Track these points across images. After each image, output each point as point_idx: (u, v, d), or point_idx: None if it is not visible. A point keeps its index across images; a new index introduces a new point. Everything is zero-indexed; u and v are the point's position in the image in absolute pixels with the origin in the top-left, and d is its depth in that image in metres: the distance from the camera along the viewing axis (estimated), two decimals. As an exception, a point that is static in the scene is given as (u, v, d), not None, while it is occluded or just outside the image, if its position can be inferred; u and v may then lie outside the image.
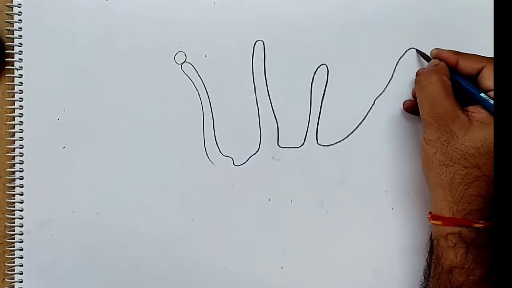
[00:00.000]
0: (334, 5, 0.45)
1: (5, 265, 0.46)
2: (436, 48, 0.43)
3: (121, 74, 0.46)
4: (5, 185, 0.46)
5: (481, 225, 0.37)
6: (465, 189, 0.38)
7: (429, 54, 0.43)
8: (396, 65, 0.45)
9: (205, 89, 0.46)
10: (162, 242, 0.46)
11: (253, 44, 0.45)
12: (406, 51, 0.45)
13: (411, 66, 0.45)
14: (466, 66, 0.40)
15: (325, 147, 0.46)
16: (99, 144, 0.46)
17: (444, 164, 0.38)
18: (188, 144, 0.46)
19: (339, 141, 0.46)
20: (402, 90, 0.45)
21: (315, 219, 0.46)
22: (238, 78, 0.46)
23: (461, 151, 0.38)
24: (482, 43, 0.44)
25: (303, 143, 0.46)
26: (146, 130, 0.46)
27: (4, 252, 0.47)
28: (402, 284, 0.46)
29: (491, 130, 0.37)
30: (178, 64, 0.45)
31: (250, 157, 0.46)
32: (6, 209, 0.46)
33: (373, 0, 0.45)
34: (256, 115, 0.46)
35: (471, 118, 0.38)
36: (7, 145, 0.46)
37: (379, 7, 0.45)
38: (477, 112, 0.38)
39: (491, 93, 0.39)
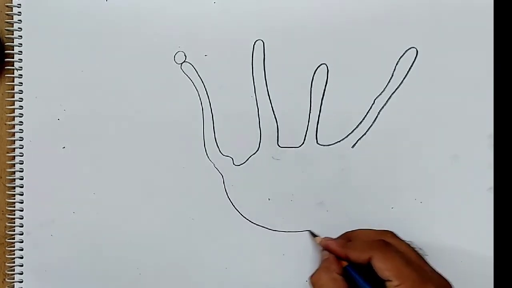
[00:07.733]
0: (334, 5, 0.45)
1: (5, 265, 0.46)
2: (324, 238, 0.43)
3: (121, 74, 0.46)
4: (5, 185, 0.46)
5: None
6: None
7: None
8: (396, 65, 0.45)
9: (205, 88, 0.46)
10: (162, 242, 0.46)
11: (253, 44, 0.45)
12: (406, 51, 0.45)
13: (411, 66, 0.45)
14: (355, 258, 0.39)
15: (325, 147, 0.46)
16: (99, 144, 0.46)
17: None
18: (188, 144, 0.46)
19: (339, 141, 0.46)
20: (402, 90, 0.45)
21: (315, 219, 0.46)
22: (238, 77, 0.46)
23: None
24: (482, 43, 0.44)
25: (303, 143, 0.46)
26: (146, 130, 0.46)
27: (4, 252, 0.47)
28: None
29: None
30: (178, 64, 0.45)
31: (250, 157, 0.46)
32: (6, 209, 0.46)
33: (373, 0, 0.45)
34: (256, 114, 0.46)
35: None
36: (7, 145, 0.46)
37: (379, 7, 0.45)
38: None
39: (390, 284, 0.36)
